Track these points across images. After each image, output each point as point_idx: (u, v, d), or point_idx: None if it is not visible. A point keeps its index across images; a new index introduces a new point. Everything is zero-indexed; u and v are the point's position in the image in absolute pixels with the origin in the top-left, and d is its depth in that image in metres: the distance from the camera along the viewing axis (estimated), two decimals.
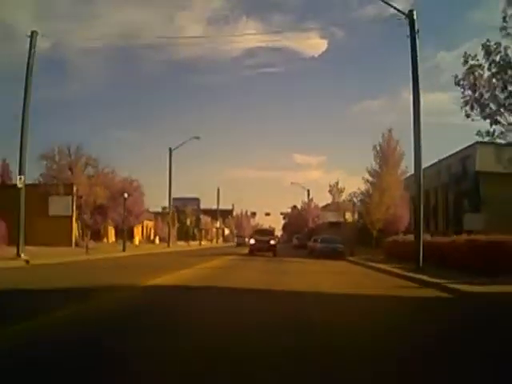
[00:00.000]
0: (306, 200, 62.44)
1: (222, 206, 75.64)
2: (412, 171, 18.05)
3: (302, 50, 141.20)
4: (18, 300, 7.33)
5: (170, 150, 39.90)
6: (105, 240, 39.33)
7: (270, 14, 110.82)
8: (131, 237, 43.44)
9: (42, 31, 18.43)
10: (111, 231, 41.72)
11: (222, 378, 3.46)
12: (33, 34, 17.76)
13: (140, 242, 45.35)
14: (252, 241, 30.11)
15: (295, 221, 71.01)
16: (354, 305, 8.18)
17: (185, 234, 64.02)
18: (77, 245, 30.24)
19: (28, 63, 17.76)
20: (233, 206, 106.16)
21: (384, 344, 4.90)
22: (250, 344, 4.60)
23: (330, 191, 44.03)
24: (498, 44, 11.05)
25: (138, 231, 47.75)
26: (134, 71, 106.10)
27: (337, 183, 43.42)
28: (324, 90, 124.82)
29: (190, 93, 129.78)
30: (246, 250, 31.36)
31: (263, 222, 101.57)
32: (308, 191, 61.20)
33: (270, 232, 33.70)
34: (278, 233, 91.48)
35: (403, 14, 15.73)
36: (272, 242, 28.97)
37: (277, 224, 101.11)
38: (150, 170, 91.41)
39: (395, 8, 16.03)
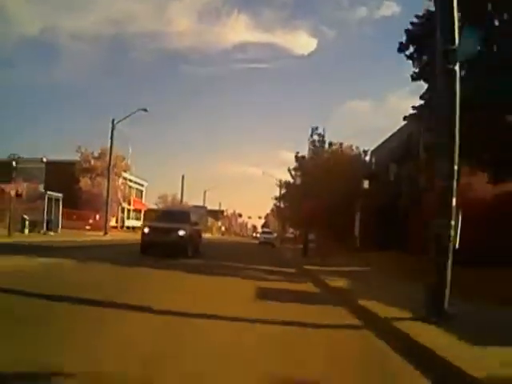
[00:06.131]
0: None
1: (215, 206, 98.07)
2: None
3: (291, 48, 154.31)
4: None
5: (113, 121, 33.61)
6: None
7: (261, 10, 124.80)
8: None
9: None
10: None
11: None
12: None
13: None
14: (146, 229, 16.77)
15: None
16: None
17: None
18: None
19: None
20: (226, 209, 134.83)
21: None
22: None
23: None
24: None
25: None
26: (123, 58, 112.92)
27: None
28: (312, 89, 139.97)
29: (180, 83, 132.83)
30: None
31: (248, 221, 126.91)
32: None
33: (182, 215, 18.63)
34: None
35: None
36: (181, 232, 15.78)
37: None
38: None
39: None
